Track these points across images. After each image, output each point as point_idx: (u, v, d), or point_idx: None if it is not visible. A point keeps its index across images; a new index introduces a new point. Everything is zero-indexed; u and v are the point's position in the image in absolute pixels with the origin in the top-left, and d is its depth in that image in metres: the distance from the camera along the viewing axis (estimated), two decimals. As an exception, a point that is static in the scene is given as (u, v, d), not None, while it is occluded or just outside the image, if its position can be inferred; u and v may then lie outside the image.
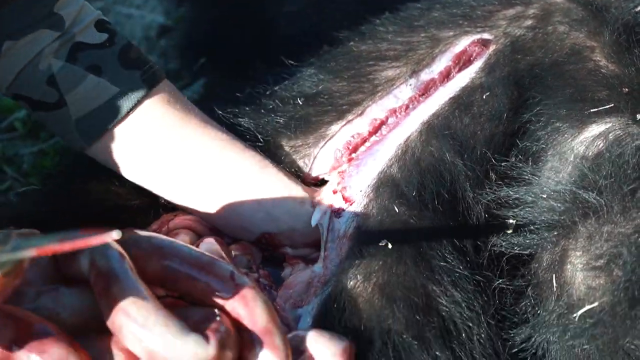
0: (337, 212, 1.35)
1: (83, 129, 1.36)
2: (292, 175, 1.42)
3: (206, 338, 1.01)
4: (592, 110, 1.33)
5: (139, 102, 1.36)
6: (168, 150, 1.38)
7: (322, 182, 1.44)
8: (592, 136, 1.32)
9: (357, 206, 1.34)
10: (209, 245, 1.28)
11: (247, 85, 1.59)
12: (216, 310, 1.09)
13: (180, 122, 1.39)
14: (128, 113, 1.35)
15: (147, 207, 1.43)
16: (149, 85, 1.37)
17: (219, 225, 1.41)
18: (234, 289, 1.10)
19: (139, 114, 1.37)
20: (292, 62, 1.56)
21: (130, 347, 1.01)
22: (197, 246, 1.28)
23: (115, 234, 0.94)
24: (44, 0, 1.35)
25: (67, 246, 0.94)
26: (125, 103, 1.35)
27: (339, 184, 1.38)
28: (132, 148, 1.37)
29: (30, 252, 0.93)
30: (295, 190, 1.39)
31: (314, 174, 1.43)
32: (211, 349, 1.00)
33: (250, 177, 1.38)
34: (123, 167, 1.39)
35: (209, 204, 1.38)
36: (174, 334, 1.01)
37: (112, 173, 1.44)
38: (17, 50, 1.34)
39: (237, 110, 1.51)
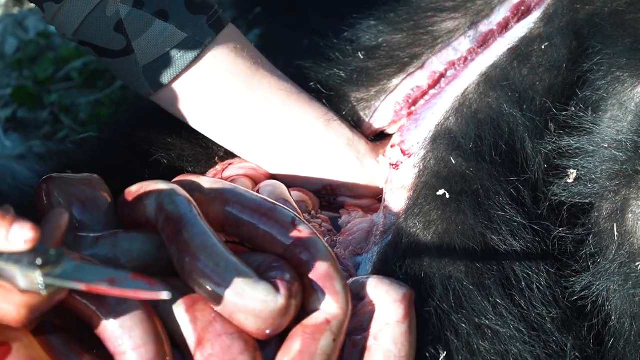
0: (395, 165, 1.36)
1: (150, 76, 1.36)
2: (354, 129, 1.42)
3: (275, 287, 1.02)
4: None
5: (206, 48, 1.36)
6: (234, 98, 1.38)
7: (381, 135, 1.45)
8: None
9: (415, 158, 1.34)
10: (271, 189, 1.29)
11: (304, 36, 1.60)
12: (279, 259, 1.11)
13: (246, 71, 1.39)
14: (196, 59, 1.35)
15: (201, 157, 1.44)
16: (216, 30, 1.36)
17: (282, 175, 1.41)
18: (295, 235, 1.11)
19: (206, 60, 1.37)
20: (351, 14, 1.55)
21: (197, 291, 1.03)
22: (258, 191, 1.30)
23: (166, 295, 0.95)
24: None
25: (116, 292, 0.95)
26: (193, 49, 1.35)
27: (398, 137, 1.39)
28: (198, 95, 1.37)
29: (79, 286, 0.94)
30: (358, 143, 1.39)
31: (374, 127, 1.44)
32: (280, 298, 1.01)
33: (315, 129, 1.39)
34: (188, 115, 1.39)
35: (274, 155, 1.39)
36: (245, 281, 1.02)
37: (168, 124, 1.45)
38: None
39: (295, 61, 1.51)
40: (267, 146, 1.39)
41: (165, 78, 1.37)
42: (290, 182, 1.40)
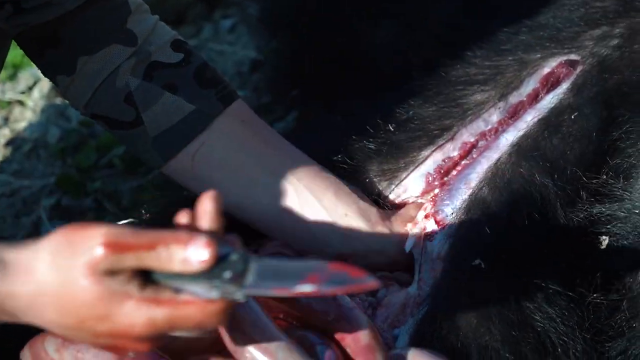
0: (430, 235, 1.37)
1: (160, 147, 1.39)
2: (365, 197, 1.42)
3: None
4: None
5: (215, 121, 1.38)
6: (243, 169, 1.40)
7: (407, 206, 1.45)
8: None
9: (450, 228, 1.35)
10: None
11: (339, 114, 1.62)
12: (321, 334, 1.14)
13: (255, 144, 1.41)
14: (204, 131, 1.38)
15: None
16: (224, 104, 1.39)
17: (295, 245, 1.40)
18: (336, 309, 1.14)
19: (215, 132, 1.39)
20: (384, 90, 1.58)
21: None
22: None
23: (376, 284, 0.94)
24: (116, 14, 1.39)
25: (326, 293, 0.94)
26: (201, 121, 1.38)
27: (431, 207, 1.39)
28: (207, 167, 1.40)
29: (285, 293, 0.93)
30: (368, 211, 1.40)
31: (402, 197, 1.45)
32: None
33: (324, 199, 1.39)
34: (198, 187, 1.38)
35: (283, 226, 1.40)
36: None
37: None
38: (93, 65, 1.38)
39: (328, 138, 1.53)
40: (276, 218, 1.40)
41: (174, 150, 1.39)
42: (304, 251, 1.40)
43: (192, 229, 0.96)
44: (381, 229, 1.38)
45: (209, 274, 0.91)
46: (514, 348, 1.25)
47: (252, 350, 1.06)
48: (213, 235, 0.94)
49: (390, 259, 1.40)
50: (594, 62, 1.43)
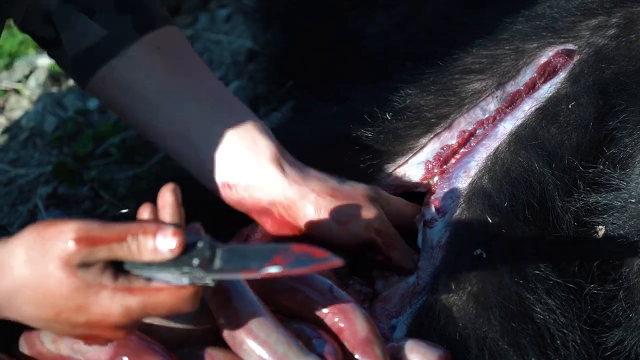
0: (429, 223, 1.36)
1: (76, 68, 1.40)
2: (268, 137, 1.37)
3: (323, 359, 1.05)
4: None
5: (127, 48, 1.37)
6: (146, 95, 1.39)
7: (407, 194, 1.45)
8: None
9: (450, 217, 1.35)
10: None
11: (335, 103, 1.61)
12: (318, 328, 1.13)
13: (164, 70, 1.39)
14: (113, 57, 1.37)
15: (235, 228, 1.43)
16: (140, 31, 1.38)
17: (192, 173, 1.40)
18: (332, 302, 1.13)
19: (124, 58, 1.38)
20: (380, 79, 1.57)
21: None
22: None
23: (340, 262, 0.97)
24: None
25: (294, 273, 0.97)
26: (112, 47, 1.37)
27: (431, 195, 1.39)
28: (115, 91, 1.39)
29: (253, 275, 0.96)
30: (263, 148, 1.36)
31: (404, 183, 1.45)
32: None
33: (218, 129, 1.37)
34: (111, 108, 1.43)
35: (179, 153, 1.40)
36: (296, 353, 1.05)
37: (205, 197, 1.44)
38: None
39: (325, 127, 1.52)
40: (174, 144, 1.40)
41: (87, 72, 1.39)
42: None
43: (157, 221, 1.01)
44: (268, 166, 1.34)
45: (178, 261, 0.95)
46: (513, 339, 1.23)
47: (250, 342, 1.05)
48: (179, 225, 0.99)
49: (271, 197, 1.35)
50: (591, 51, 1.42)
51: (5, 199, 1.97)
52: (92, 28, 1.37)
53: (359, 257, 1.41)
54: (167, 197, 1.03)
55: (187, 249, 0.95)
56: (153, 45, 1.39)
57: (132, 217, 1.56)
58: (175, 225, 0.98)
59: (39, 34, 1.41)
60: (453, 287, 1.27)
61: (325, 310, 1.14)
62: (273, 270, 0.95)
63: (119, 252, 0.98)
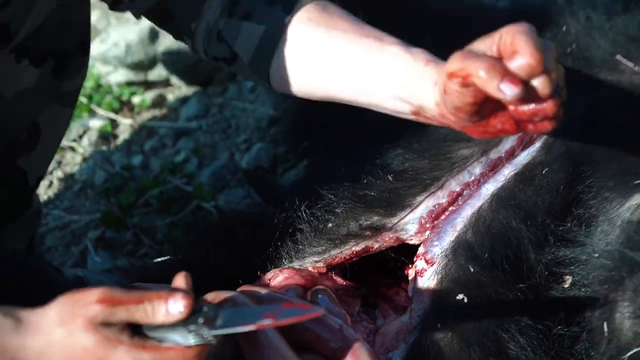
0: (421, 272, 1.37)
1: (255, 72, 1.42)
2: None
3: None
4: (636, 182, 1.36)
5: (284, 31, 1.36)
6: (315, 55, 1.35)
7: (403, 245, 1.45)
8: (636, 204, 1.35)
9: (438, 266, 1.36)
10: (321, 295, 1.33)
11: (344, 164, 1.62)
12: None
13: (320, 33, 1.35)
14: (276, 46, 1.37)
15: (255, 271, 1.44)
16: (289, 14, 1.36)
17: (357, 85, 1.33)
18: (342, 339, 1.17)
19: (289, 37, 1.36)
20: (383, 144, 1.57)
21: None
22: (311, 295, 1.33)
23: (322, 311, 1.04)
24: None
25: (283, 323, 1.01)
26: (272, 38, 1.37)
27: (422, 248, 1.40)
28: (291, 67, 1.38)
29: (250, 328, 1.00)
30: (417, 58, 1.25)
31: (400, 237, 1.44)
32: None
33: (383, 49, 1.30)
34: (294, 84, 1.39)
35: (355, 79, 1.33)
36: None
37: (228, 245, 1.48)
38: (201, 24, 1.42)
39: (335, 185, 1.51)
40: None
41: (264, 72, 1.40)
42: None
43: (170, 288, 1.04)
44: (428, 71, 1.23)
45: (186, 322, 0.98)
46: (491, 372, 1.26)
47: None
48: (187, 291, 1.01)
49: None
50: (563, 125, 1.39)
51: (60, 241, 1.99)
52: (253, 29, 1.39)
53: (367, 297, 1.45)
54: (179, 282, 1.05)
55: (194, 313, 0.99)
56: (303, 19, 1.37)
57: (167, 265, 1.59)
58: (184, 291, 1.01)
59: (218, 55, 1.44)
60: (439, 326, 1.29)
61: (335, 346, 1.17)
62: (266, 322, 0.99)
63: (136, 313, 1.00)
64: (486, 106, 1.13)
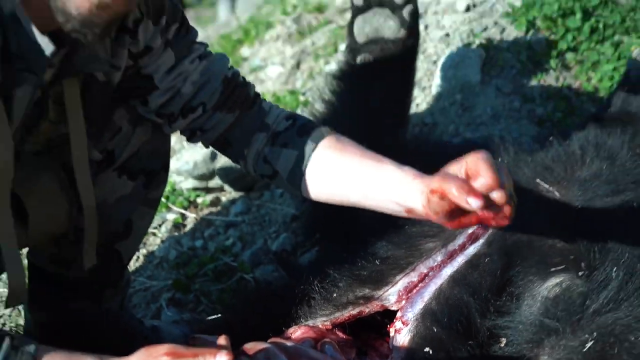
0: (398, 330, 1.37)
1: (290, 184, 1.39)
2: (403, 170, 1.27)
3: None
4: (551, 270, 1.39)
5: (311, 155, 1.35)
6: (333, 171, 1.34)
7: (386, 311, 1.44)
8: (551, 285, 1.37)
9: (411, 327, 1.36)
10: (328, 346, 1.32)
11: (344, 251, 1.59)
12: None
13: (336, 156, 1.34)
14: (308, 160, 1.35)
15: (280, 328, 1.42)
16: (315, 142, 1.36)
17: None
18: None
19: (312, 162, 1.36)
20: (374, 238, 1.56)
21: None
22: (320, 346, 1.31)
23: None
24: (258, 117, 1.41)
25: None
26: (303, 159, 1.35)
27: (400, 313, 1.39)
28: (316, 180, 1.36)
29: None
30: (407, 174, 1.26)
31: (384, 305, 1.43)
32: None
33: (385, 173, 1.29)
34: (318, 192, 1.36)
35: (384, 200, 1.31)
36: None
37: (263, 309, 1.45)
38: (252, 150, 1.40)
39: (338, 266, 1.50)
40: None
41: (297, 184, 1.37)
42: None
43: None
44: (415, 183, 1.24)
45: None
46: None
47: None
48: (229, 350, 1.02)
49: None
50: (499, 228, 1.40)
51: (142, 300, 1.99)
52: (290, 154, 1.37)
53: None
54: (222, 340, 1.06)
55: None
56: (326, 146, 1.36)
57: (219, 320, 1.59)
58: (226, 348, 1.02)
59: (264, 173, 1.41)
60: (411, 372, 1.26)
61: None
62: None
63: None
64: (458, 210, 1.16)
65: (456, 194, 1.10)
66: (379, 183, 1.27)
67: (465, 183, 1.11)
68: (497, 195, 1.09)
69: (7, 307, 1.28)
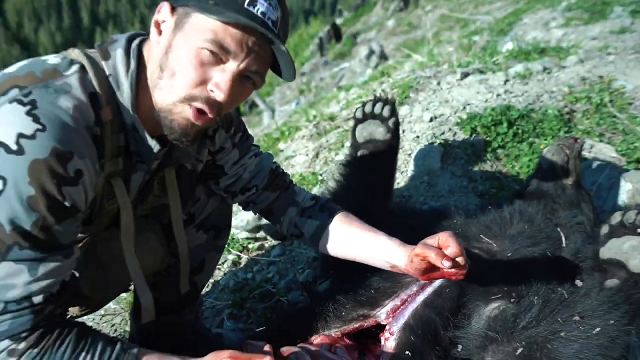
0: (387, 338, 1.35)
1: (313, 242, 1.34)
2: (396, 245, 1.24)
3: None
4: (492, 298, 1.37)
5: (327, 223, 1.30)
6: (344, 240, 1.29)
7: (378, 325, 1.41)
8: (492, 308, 1.36)
9: (396, 337, 1.34)
10: (341, 349, 1.29)
11: (349, 283, 1.55)
12: None
13: (345, 227, 1.30)
14: (325, 229, 1.29)
15: (307, 337, 1.35)
16: (331, 216, 1.31)
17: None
18: None
19: (327, 228, 1.29)
20: (371, 275, 1.48)
21: None
22: (334, 350, 1.28)
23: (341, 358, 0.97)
24: (290, 195, 1.36)
25: None
26: (322, 227, 1.30)
27: (389, 326, 1.37)
28: (330, 243, 1.30)
29: None
30: (397, 249, 1.24)
31: (377, 321, 1.41)
32: None
33: (382, 241, 1.26)
34: (331, 251, 1.31)
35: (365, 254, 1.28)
36: None
37: (293, 323, 1.41)
38: (286, 219, 1.33)
39: (345, 294, 1.46)
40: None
41: (318, 242, 1.31)
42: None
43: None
44: (400, 256, 1.24)
45: None
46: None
47: None
48: (271, 354, 1.01)
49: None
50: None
51: (211, 314, 1.91)
52: (313, 223, 1.33)
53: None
54: (267, 347, 1.05)
55: None
56: (338, 219, 1.32)
57: (264, 330, 1.49)
58: (269, 354, 1.00)
59: (293, 234, 1.37)
60: (396, 368, 1.23)
61: None
62: None
63: None
64: (432, 268, 1.18)
65: (434, 258, 1.13)
66: (375, 249, 1.28)
67: (440, 251, 1.14)
68: (460, 260, 1.13)
69: (143, 322, 1.26)
